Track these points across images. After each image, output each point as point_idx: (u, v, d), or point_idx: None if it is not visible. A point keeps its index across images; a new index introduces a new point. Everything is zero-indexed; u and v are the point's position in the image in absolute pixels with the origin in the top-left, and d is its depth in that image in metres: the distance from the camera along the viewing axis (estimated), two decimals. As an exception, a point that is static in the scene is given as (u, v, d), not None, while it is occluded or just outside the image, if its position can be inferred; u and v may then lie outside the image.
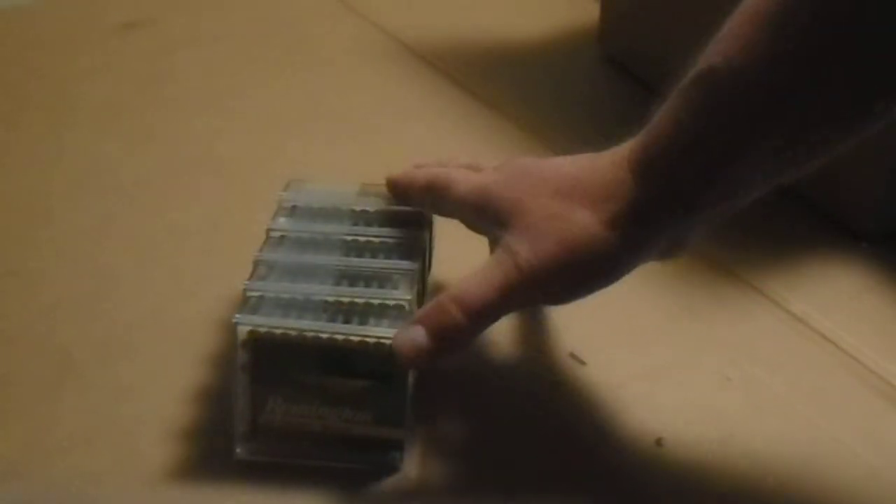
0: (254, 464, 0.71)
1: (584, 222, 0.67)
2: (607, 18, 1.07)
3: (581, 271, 0.68)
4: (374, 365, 0.69)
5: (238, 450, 0.71)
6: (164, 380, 0.76)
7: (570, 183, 0.69)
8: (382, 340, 0.68)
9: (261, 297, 0.70)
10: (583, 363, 0.78)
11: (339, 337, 0.68)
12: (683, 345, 0.81)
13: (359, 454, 0.71)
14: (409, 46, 1.08)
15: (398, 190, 0.77)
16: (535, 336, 0.80)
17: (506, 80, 1.05)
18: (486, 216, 0.70)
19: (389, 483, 0.71)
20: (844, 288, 0.86)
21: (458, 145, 0.97)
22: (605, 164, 0.69)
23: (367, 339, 0.68)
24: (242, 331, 0.69)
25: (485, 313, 0.68)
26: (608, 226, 0.67)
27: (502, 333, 0.80)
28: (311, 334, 0.69)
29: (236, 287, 0.71)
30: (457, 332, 0.68)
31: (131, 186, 0.91)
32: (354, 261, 0.73)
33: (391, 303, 0.70)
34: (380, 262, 0.73)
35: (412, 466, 0.71)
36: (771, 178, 0.66)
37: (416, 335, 0.68)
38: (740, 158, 0.65)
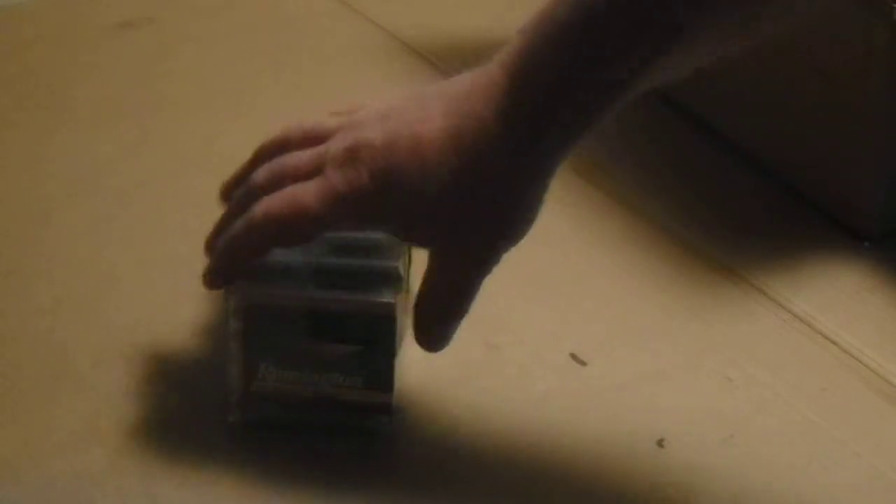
0: (246, 431, 0.72)
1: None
2: (607, 17, 1.07)
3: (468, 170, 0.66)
4: (364, 330, 0.70)
5: (230, 417, 0.72)
6: (163, 381, 0.76)
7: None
8: (372, 305, 0.70)
9: (252, 266, 0.71)
10: (583, 363, 0.78)
11: (330, 302, 0.70)
12: (684, 345, 0.81)
13: (349, 419, 0.72)
14: (408, 45, 1.07)
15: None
16: (535, 336, 0.80)
17: (506, 80, 1.05)
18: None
19: (378, 448, 0.72)
20: (846, 288, 0.85)
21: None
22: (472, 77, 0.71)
23: (357, 304, 0.70)
24: (234, 298, 0.70)
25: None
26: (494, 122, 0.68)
27: (501, 333, 0.80)
28: (302, 300, 0.70)
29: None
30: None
31: (130, 186, 0.91)
32: (342, 233, 0.75)
33: (380, 269, 0.72)
34: (367, 234, 0.75)
35: (401, 431, 0.72)
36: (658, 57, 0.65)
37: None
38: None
